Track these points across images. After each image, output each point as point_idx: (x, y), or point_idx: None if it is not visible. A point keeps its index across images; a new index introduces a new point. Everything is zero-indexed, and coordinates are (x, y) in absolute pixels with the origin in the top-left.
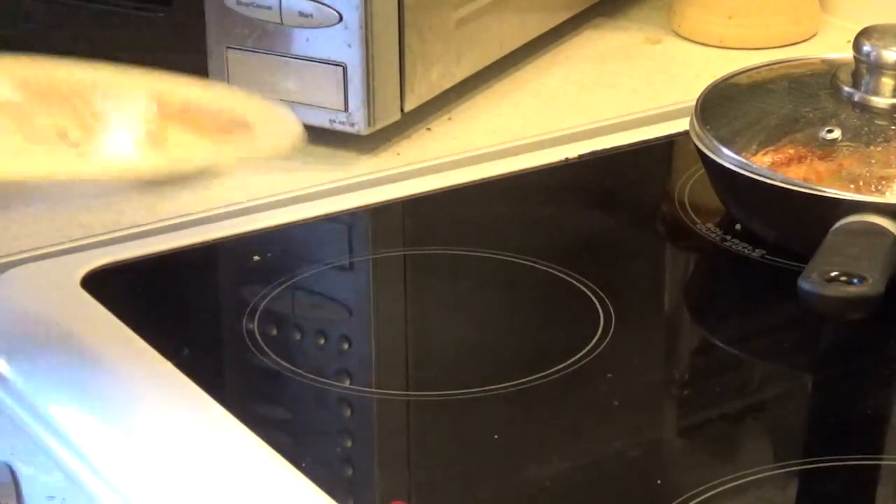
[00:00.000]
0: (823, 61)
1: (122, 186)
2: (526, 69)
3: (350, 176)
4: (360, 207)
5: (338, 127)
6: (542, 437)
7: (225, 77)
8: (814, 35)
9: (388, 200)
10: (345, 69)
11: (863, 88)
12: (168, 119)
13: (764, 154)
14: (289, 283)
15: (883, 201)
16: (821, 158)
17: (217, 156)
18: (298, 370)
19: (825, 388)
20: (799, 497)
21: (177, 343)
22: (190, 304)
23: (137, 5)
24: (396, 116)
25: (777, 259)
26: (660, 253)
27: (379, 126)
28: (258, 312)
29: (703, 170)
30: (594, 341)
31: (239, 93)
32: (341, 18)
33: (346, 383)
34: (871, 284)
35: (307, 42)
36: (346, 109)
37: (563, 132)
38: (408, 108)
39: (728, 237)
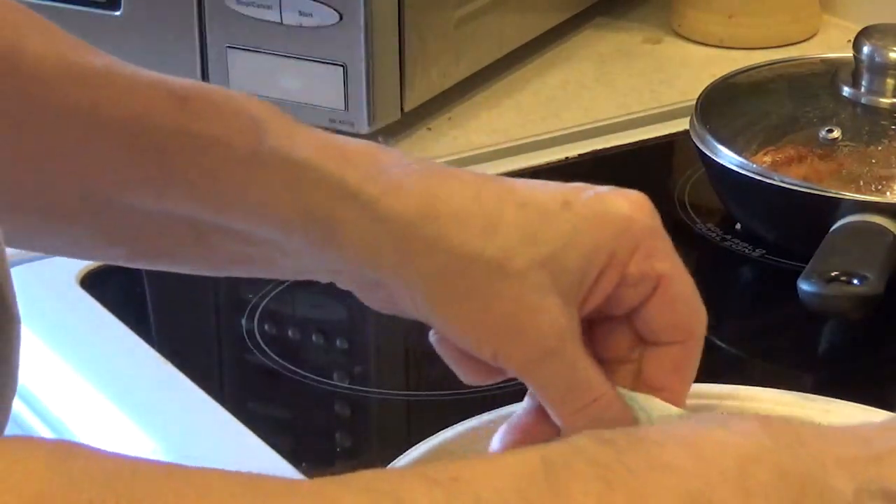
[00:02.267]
0: (823, 61)
1: None
2: (526, 69)
3: None
4: None
5: (338, 127)
6: None
7: (225, 77)
8: (814, 35)
9: None
10: (345, 69)
11: (863, 88)
12: None
13: (764, 154)
14: (289, 282)
15: (883, 201)
16: (821, 158)
17: None
18: (298, 370)
19: (825, 388)
20: None
21: (177, 343)
22: (190, 304)
23: None
24: (396, 116)
25: (777, 259)
26: None
27: (379, 126)
28: (258, 312)
29: (703, 170)
30: None
31: None
32: (341, 18)
33: (346, 383)
34: (870, 284)
35: (307, 42)
36: (346, 109)
37: (563, 132)
38: (408, 107)
39: (728, 237)
